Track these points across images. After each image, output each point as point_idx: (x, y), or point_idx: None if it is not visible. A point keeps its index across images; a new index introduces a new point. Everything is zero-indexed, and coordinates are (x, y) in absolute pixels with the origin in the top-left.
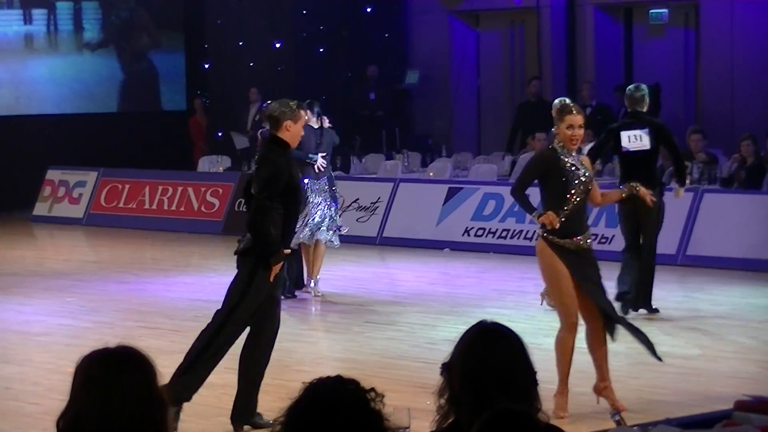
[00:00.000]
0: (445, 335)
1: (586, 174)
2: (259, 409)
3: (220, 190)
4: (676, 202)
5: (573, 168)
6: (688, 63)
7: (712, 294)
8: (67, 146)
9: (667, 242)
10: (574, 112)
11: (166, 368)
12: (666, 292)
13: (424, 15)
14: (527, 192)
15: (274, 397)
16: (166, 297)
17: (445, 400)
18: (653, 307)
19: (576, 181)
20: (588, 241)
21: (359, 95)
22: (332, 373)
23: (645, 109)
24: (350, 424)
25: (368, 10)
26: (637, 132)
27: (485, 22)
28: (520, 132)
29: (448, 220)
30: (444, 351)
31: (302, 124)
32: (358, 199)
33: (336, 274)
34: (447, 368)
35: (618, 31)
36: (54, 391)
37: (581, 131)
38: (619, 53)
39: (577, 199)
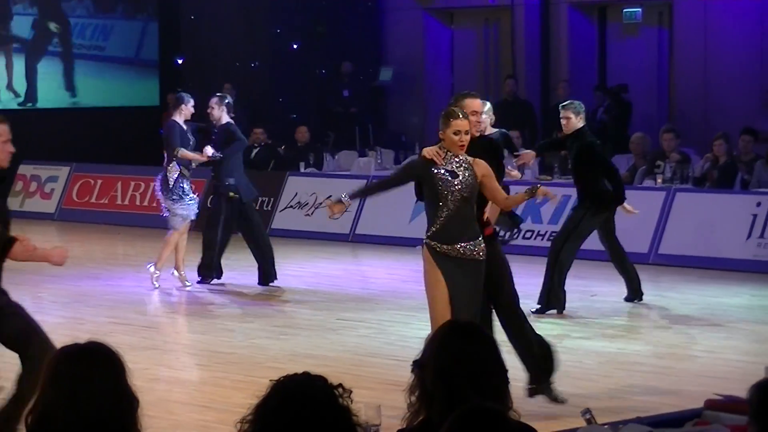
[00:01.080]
0: (417, 332)
1: (464, 181)
2: (228, 407)
3: (193, 186)
4: (651, 200)
5: (447, 176)
6: (661, 62)
7: (684, 293)
8: (39, 141)
9: (639, 241)
10: (461, 116)
11: (137, 364)
12: None
13: (398, 12)
14: None
15: (246, 394)
16: (138, 293)
17: (416, 397)
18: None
19: (448, 190)
20: (473, 249)
21: (333, 92)
22: (304, 370)
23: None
24: (319, 420)
25: (343, 6)
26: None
27: (460, 19)
28: None
29: (421, 217)
30: (416, 348)
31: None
32: (330, 195)
33: (308, 270)
34: (419, 365)
35: (592, 30)
36: None
37: (467, 137)
38: (593, 52)
39: (451, 207)
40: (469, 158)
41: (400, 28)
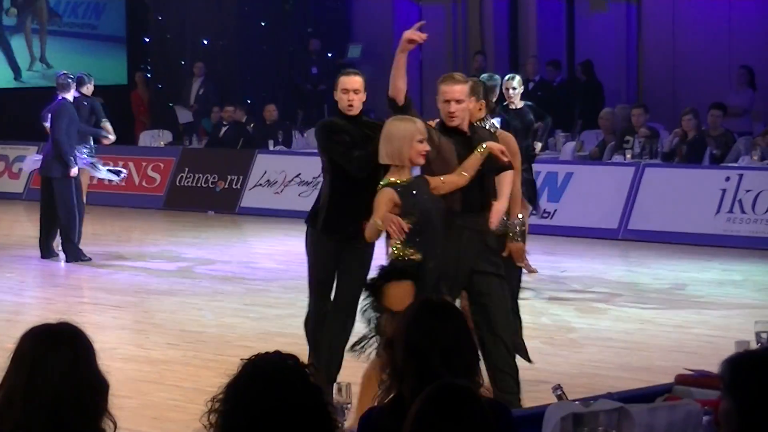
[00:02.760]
0: None
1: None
2: (199, 386)
3: (162, 165)
4: (620, 175)
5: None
6: (630, 38)
7: (654, 268)
8: (7, 120)
9: (608, 216)
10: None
11: (106, 344)
12: (607, 267)
13: None
14: None
15: (215, 373)
16: (107, 272)
17: (387, 374)
18: None
19: None
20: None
21: (302, 69)
22: (275, 348)
23: (494, 98)
24: (290, 399)
25: None
26: (493, 121)
27: None
28: None
29: None
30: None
31: None
32: (300, 174)
33: (278, 249)
34: (390, 343)
35: (561, 5)
36: None
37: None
38: (561, 28)
39: None
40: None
41: (369, 5)
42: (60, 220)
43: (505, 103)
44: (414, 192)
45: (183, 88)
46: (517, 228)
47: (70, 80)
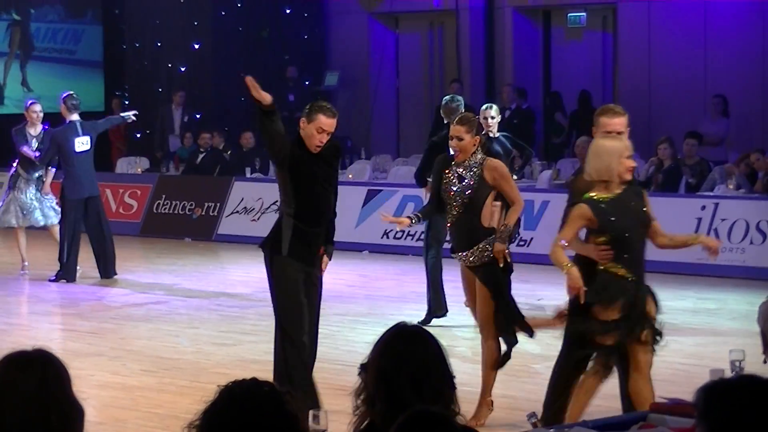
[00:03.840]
0: (363, 338)
1: (467, 186)
2: (175, 412)
3: (139, 192)
4: None
5: (454, 179)
6: (606, 66)
7: None
8: None
9: None
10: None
11: (82, 371)
12: None
13: (343, 16)
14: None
15: (191, 400)
16: (84, 298)
17: (361, 400)
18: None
19: (449, 194)
20: (478, 257)
21: (278, 97)
22: (251, 375)
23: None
24: (266, 426)
25: (287, 11)
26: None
27: (405, 24)
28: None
29: (367, 222)
30: (362, 353)
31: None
32: (277, 201)
33: (254, 276)
34: (364, 368)
35: (537, 34)
36: None
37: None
38: (537, 56)
39: (455, 213)
40: (486, 160)
41: (345, 32)
42: (108, 238)
43: (483, 132)
44: (614, 208)
45: (159, 115)
46: (505, 231)
47: (75, 101)
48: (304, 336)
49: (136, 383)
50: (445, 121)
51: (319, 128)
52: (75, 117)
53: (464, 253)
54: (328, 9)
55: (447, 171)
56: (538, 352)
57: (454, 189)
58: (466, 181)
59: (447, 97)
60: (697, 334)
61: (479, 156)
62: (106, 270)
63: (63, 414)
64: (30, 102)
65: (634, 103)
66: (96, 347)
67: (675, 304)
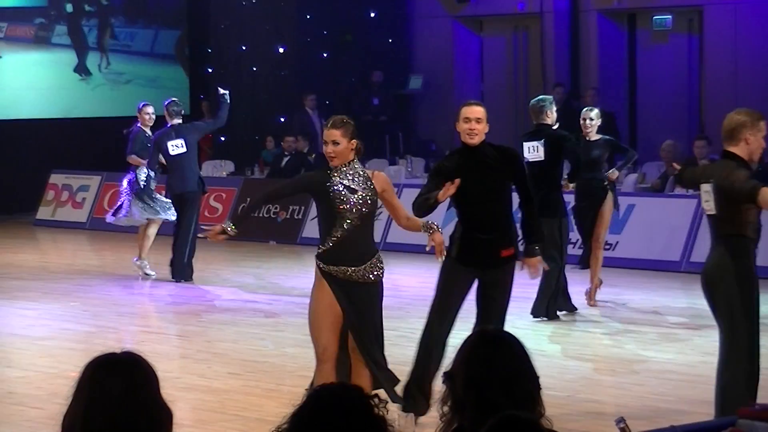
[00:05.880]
0: (450, 340)
1: (365, 198)
2: (260, 415)
3: (224, 195)
4: (682, 208)
5: (344, 191)
6: (691, 69)
7: None
8: (71, 150)
9: (671, 249)
10: (327, 125)
11: (168, 373)
12: (670, 299)
13: (427, 20)
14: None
15: (277, 403)
16: (170, 301)
17: (448, 407)
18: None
19: (345, 206)
20: (365, 273)
21: (363, 100)
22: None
23: (548, 121)
24: (353, 430)
25: (372, 15)
26: (535, 143)
27: (489, 27)
28: None
29: (451, 225)
30: (447, 357)
31: None
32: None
33: None
34: (450, 376)
35: (622, 37)
36: (56, 395)
37: (335, 146)
38: (622, 59)
39: (348, 223)
40: (368, 171)
41: (430, 36)
42: (193, 234)
43: (581, 134)
44: None
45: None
46: None
47: (177, 108)
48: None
49: (222, 386)
50: (533, 121)
51: (465, 118)
52: (176, 121)
53: (354, 268)
54: (413, 13)
55: (328, 184)
56: (624, 357)
57: (353, 200)
58: (359, 192)
59: (534, 99)
60: None
61: (358, 164)
62: (175, 272)
63: (151, 417)
64: (142, 104)
65: (720, 106)
66: (182, 350)
67: (763, 308)
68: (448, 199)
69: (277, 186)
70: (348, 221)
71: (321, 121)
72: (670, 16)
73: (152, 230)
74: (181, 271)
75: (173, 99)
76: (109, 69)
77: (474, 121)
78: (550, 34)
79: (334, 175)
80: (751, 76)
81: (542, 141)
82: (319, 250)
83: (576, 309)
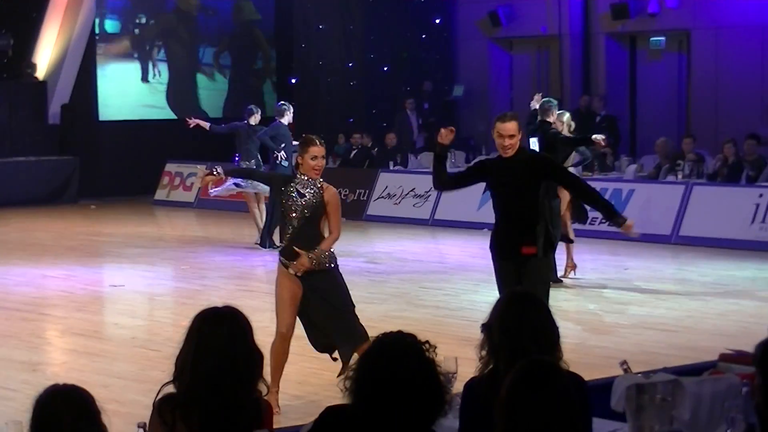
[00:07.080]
0: (484, 298)
1: (310, 201)
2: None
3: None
4: (672, 192)
5: (295, 195)
6: (681, 81)
7: (700, 267)
8: (183, 144)
9: (663, 225)
10: (318, 143)
11: (260, 323)
12: (662, 266)
13: (468, 41)
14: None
15: None
16: (262, 266)
17: (485, 351)
18: None
19: (294, 207)
20: (320, 262)
21: (416, 105)
22: (394, 328)
23: (550, 119)
24: (410, 370)
25: (423, 36)
26: (533, 138)
27: (518, 47)
28: None
29: (487, 205)
30: (483, 311)
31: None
32: (414, 188)
33: (397, 248)
34: (487, 327)
35: (624, 55)
36: (170, 340)
37: (323, 161)
38: (625, 73)
39: (295, 223)
40: (323, 184)
41: (470, 54)
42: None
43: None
44: None
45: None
46: (318, 253)
47: (284, 108)
48: None
49: (301, 333)
50: (539, 119)
51: (498, 134)
52: (284, 120)
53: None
54: (456, 34)
55: (286, 189)
56: (626, 312)
57: (300, 203)
58: (306, 197)
59: (545, 99)
60: (756, 299)
61: (320, 181)
62: (261, 240)
63: (248, 360)
64: (279, 103)
65: (704, 110)
66: (270, 304)
67: (738, 274)
68: (484, 185)
69: (256, 171)
70: (296, 221)
71: (418, 121)
72: (663, 38)
73: (256, 209)
74: (264, 238)
75: (282, 102)
76: (215, 81)
77: (507, 138)
78: (567, 52)
79: (295, 182)
80: (729, 88)
81: (537, 137)
82: (280, 246)
83: (561, 281)
